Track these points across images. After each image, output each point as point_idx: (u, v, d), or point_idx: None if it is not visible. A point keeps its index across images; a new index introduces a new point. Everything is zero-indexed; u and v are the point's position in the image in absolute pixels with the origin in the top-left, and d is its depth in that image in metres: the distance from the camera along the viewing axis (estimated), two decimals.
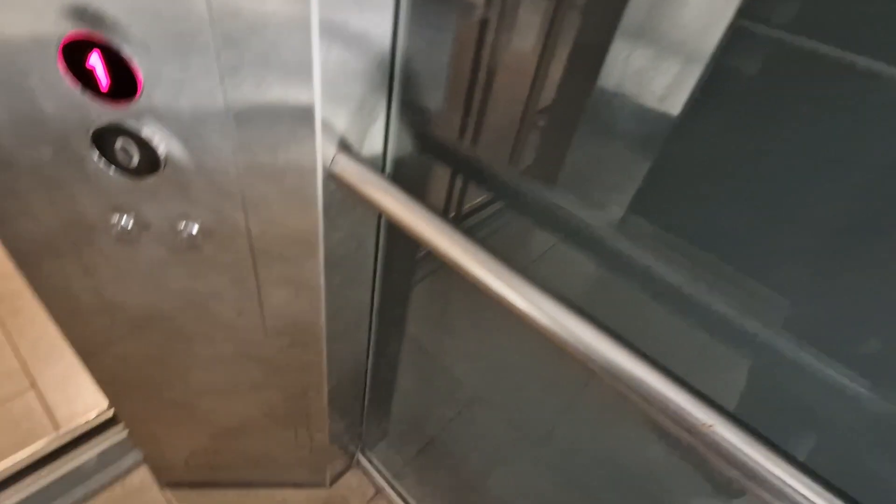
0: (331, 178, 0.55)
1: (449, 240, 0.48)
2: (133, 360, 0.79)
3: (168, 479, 1.13)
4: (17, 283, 1.44)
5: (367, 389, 1.06)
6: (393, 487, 1.20)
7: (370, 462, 1.24)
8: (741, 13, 0.44)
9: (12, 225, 0.57)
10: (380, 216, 0.71)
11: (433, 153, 0.68)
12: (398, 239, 0.77)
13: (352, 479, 1.24)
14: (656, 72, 0.52)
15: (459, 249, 0.47)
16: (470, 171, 0.69)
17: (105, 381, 0.84)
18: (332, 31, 0.45)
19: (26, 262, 0.62)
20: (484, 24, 0.61)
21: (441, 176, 0.76)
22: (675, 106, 0.51)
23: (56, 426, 1.18)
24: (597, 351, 0.39)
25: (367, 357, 0.98)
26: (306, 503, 1.17)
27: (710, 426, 0.36)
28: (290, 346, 0.77)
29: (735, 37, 0.45)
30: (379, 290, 0.84)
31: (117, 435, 1.13)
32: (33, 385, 1.23)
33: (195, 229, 0.59)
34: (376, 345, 0.96)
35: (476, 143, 0.69)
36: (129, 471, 1.14)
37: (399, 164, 0.64)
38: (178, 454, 1.05)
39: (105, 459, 1.12)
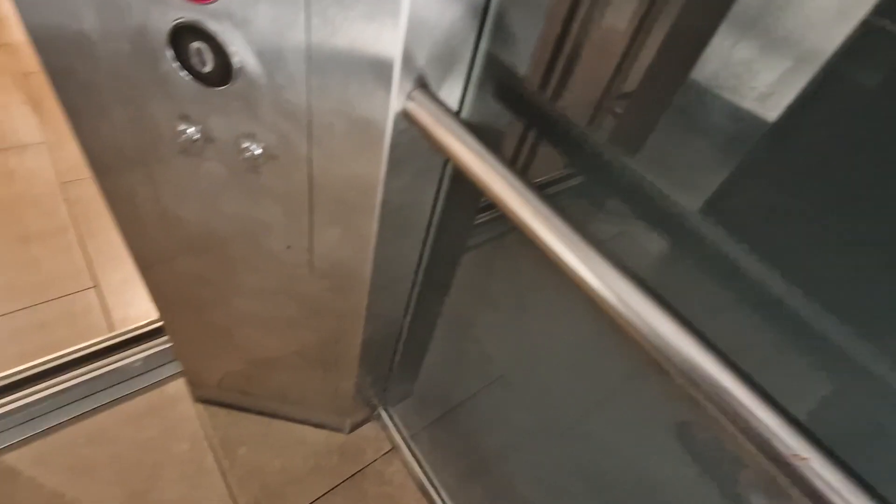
0: (403, 116, 0.51)
1: (521, 198, 0.43)
2: (184, 277, 0.81)
3: (201, 395, 1.18)
4: (93, 188, 1.52)
5: (399, 347, 1.05)
6: (408, 447, 1.20)
7: (390, 418, 1.24)
8: (880, 11, 0.36)
9: (89, 124, 0.58)
10: (442, 172, 0.67)
11: (511, 110, 0.62)
12: (458, 198, 0.73)
13: (369, 430, 1.25)
14: (762, 64, 0.45)
15: (531, 210, 0.42)
16: (547, 135, 0.63)
17: (157, 293, 0.87)
18: None
19: (98, 165, 0.63)
20: None
21: (514, 137, 0.70)
22: (776, 105, 0.44)
23: (111, 327, 1.25)
24: (678, 349, 0.34)
25: (405, 315, 0.96)
26: (324, 445, 1.19)
27: (805, 459, 0.30)
28: (331, 290, 0.76)
29: (865, 37, 0.37)
30: (429, 248, 0.81)
31: (163, 345, 1.19)
32: (95, 285, 1.31)
33: (258, 151, 0.57)
34: (416, 304, 0.94)
35: (559, 103, 0.63)
36: (168, 380, 1.21)
37: (474, 114, 0.59)
38: (214, 374, 1.09)
39: (149, 364, 1.18)
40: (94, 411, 1.12)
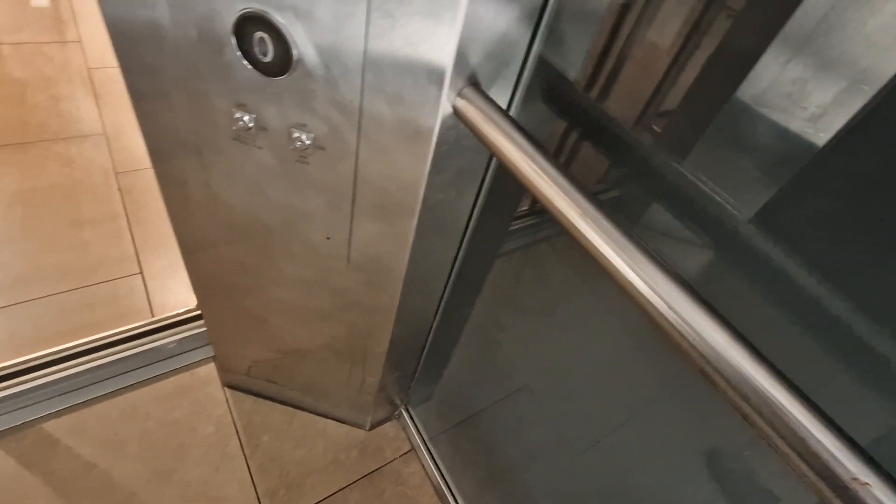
0: (453, 113, 0.52)
1: (570, 199, 0.42)
2: (224, 262, 0.83)
3: (230, 381, 1.21)
4: (145, 179, 1.59)
5: (426, 348, 1.05)
6: (427, 449, 1.20)
7: (411, 419, 1.24)
8: None
9: (151, 108, 0.60)
10: (484, 173, 0.67)
11: (559, 114, 0.62)
12: (496, 201, 0.73)
13: (390, 429, 1.25)
14: (822, 77, 0.43)
15: (579, 211, 0.42)
16: (593, 140, 0.62)
17: (197, 277, 0.90)
18: None
19: (156, 148, 0.66)
20: None
21: (559, 141, 0.70)
22: (833, 122, 0.43)
23: (151, 312, 1.30)
24: (731, 361, 0.33)
25: (434, 316, 0.96)
26: (344, 440, 1.20)
27: (866, 484, 0.28)
28: (366, 284, 0.77)
29: None
30: (463, 250, 0.81)
31: (197, 329, 1.22)
32: (140, 272, 1.36)
33: (308, 141, 0.58)
34: (446, 306, 0.94)
35: (608, 109, 0.62)
36: (199, 363, 1.24)
37: (521, 115, 0.59)
38: (243, 361, 1.11)
39: (183, 347, 1.22)
40: (129, 388, 1.16)
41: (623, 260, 0.39)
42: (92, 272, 1.32)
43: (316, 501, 1.09)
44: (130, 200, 1.50)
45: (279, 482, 1.10)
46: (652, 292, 0.37)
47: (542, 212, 0.82)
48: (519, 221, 0.90)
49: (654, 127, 0.65)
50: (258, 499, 1.07)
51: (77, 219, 1.42)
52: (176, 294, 1.34)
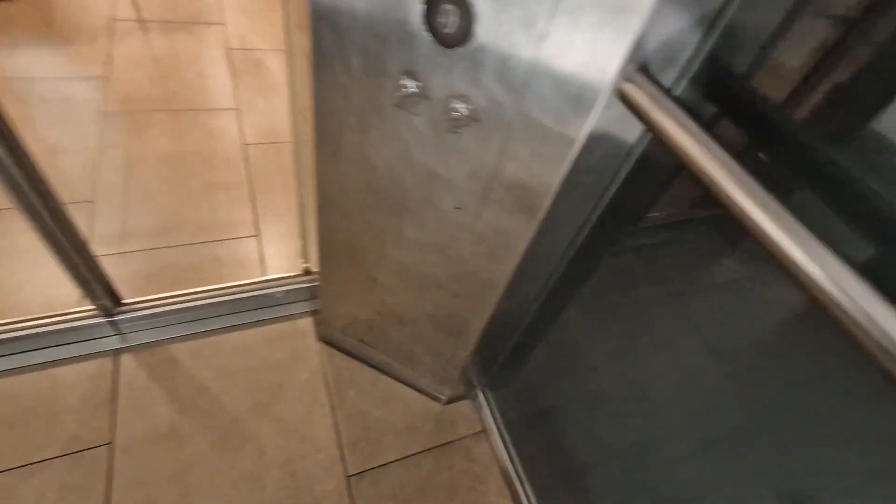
0: (618, 96, 0.53)
1: (743, 184, 0.42)
2: (353, 221, 0.90)
3: (325, 335, 1.30)
4: (269, 153, 1.75)
5: (519, 332, 1.07)
6: (500, 432, 1.22)
7: (487, 401, 1.27)
8: None
9: (330, 68, 0.67)
10: (622, 163, 0.68)
11: (722, 109, 0.61)
12: (629, 195, 0.73)
13: (465, 407, 1.29)
14: None
15: (750, 195, 0.42)
16: (755, 138, 0.61)
17: (324, 231, 0.98)
18: None
19: (322, 106, 0.73)
20: None
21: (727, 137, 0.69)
22: None
23: (263, 272, 1.43)
24: None
25: (534, 300, 0.98)
26: (421, 409, 1.26)
27: None
28: (485, 256, 0.80)
29: None
30: (581, 238, 0.82)
31: (301, 285, 1.33)
32: (258, 235, 1.50)
33: (465, 113, 0.62)
34: (548, 292, 0.96)
35: (775, 107, 0.60)
36: (299, 315, 1.35)
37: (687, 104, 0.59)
38: (342, 319, 1.20)
39: (287, 298, 1.34)
40: (240, 327, 1.29)
41: (803, 251, 0.38)
42: (219, 229, 1.47)
43: (393, 459, 1.15)
44: (254, 171, 1.65)
45: (361, 435, 1.18)
46: (834, 287, 0.37)
47: (664, 220, 0.81)
48: (652, 228, 0.88)
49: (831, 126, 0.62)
50: (341, 446, 1.15)
51: (211, 181, 1.59)
52: (286, 259, 1.46)
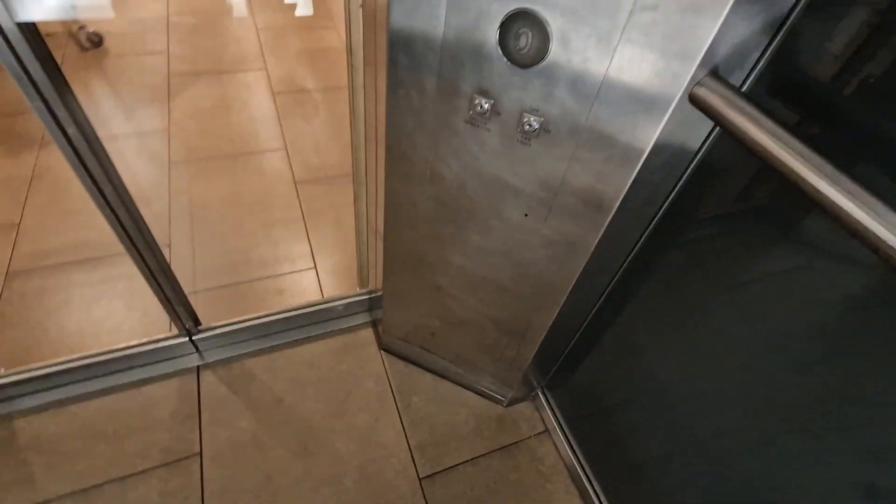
0: (689, 99, 0.56)
1: (828, 177, 0.45)
2: (420, 232, 0.95)
3: (385, 344, 1.35)
4: (319, 190, 1.82)
5: (580, 332, 1.10)
6: (563, 431, 1.24)
7: (547, 401, 1.29)
8: None
9: (405, 90, 0.73)
10: (687, 165, 0.71)
11: (789, 110, 0.63)
12: (695, 194, 0.76)
13: (526, 409, 1.32)
14: None
15: (835, 187, 0.44)
16: (820, 138, 0.63)
17: (390, 243, 1.03)
18: None
19: (394, 124, 0.78)
20: None
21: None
22: None
23: (321, 296, 1.49)
24: None
25: (596, 301, 1.01)
26: (484, 411, 1.29)
27: None
28: (551, 260, 0.84)
29: None
30: (644, 240, 0.85)
31: (359, 298, 1.39)
32: (314, 267, 1.57)
33: (536, 125, 0.67)
34: (609, 294, 0.98)
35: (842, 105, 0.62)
36: (360, 326, 1.41)
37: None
38: (403, 327, 1.25)
39: (348, 311, 1.40)
40: (307, 340, 1.36)
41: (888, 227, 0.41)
42: (281, 264, 1.56)
43: (461, 461, 1.19)
44: (307, 207, 1.74)
45: (428, 439, 1.22)
46: None
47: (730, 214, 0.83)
48: (711, 224, 0.90)
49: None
50: (410, 449, 1.20)
51: (269, 220, 1.69)
52: (343, 287, 1.52)
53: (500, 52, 0.62)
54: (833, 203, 0.45)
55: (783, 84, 0.60)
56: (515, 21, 0.59)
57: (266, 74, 2.28)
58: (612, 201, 0.70)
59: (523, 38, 0.59)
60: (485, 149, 0.74)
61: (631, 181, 0.67)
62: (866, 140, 0.58)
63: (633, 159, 0.64)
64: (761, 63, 0.59)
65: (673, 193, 0.76)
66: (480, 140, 0.73)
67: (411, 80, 0.71)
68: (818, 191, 0.46)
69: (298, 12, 2.72)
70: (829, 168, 0.46)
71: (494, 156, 0.74)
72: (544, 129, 0.67)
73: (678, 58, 0.54)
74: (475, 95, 0.68)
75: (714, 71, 0.56)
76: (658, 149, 0.64)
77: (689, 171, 0.72)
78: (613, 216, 0.73)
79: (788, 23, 0.55)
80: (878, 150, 0.57)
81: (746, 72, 0.59)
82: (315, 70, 2.36)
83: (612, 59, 0.57)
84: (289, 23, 2.65)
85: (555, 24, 0.57)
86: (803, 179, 0.47)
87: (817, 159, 0.47)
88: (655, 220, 0.81)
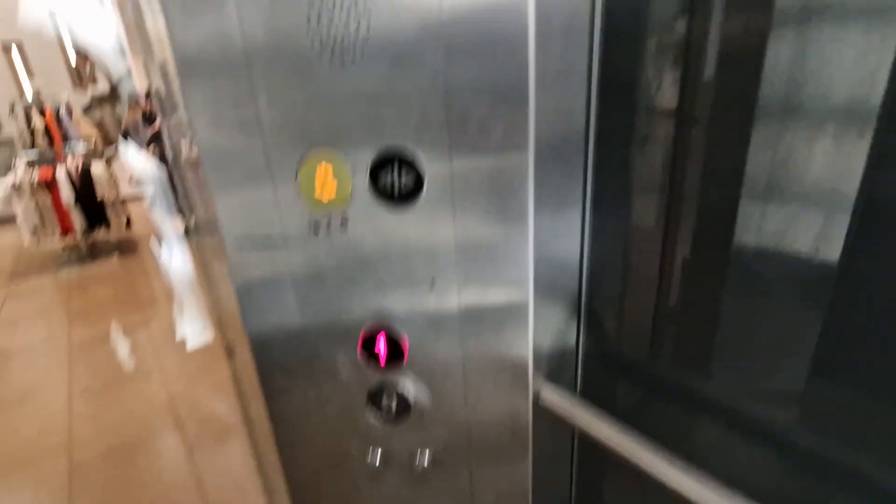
0: (540, 409, 0.65)
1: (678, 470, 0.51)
2: None
3: None
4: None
5: None
6: None
7: None
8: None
9: (296, 451, 0.74)
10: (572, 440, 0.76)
11: (622, 372, 0.73)
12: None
13: None
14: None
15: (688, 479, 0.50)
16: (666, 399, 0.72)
17: None
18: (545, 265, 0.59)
19: (296, 477, 0.77)
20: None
21: (630, 397, 0.79)
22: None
23: None
24: None
25: None
26: None
27: None
28: None
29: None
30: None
31: None
32: None
33: (427, 459, 0.70)
34: None
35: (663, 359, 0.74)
36: None
37: (589, 384, 0.71)
38: None
39: None
40: None
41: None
42: None
43: None
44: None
45: None
46: None
47: None
48: None
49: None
50: None
51: None
52: None
53: (376, 416, 0.69)
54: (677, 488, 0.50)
55: (604, 366, 0.71)
56: (378, 393, 0.68)
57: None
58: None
59: (390, 403, 0.68)
60: (391, 495, 0.74)
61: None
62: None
63: (523, 477, 0.68)
64: (581, 349, 0.70)
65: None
66: (385, 488, 0.74)
67: (298, 434, 0.73)
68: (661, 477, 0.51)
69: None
70: (673, 458, 0.52)
71: (400, 496, 0.74)
72: (437, 462, 0.70)
73: (509, 376, 0.63)
74: (367, 448, 0.72)
75: (550, 375, 0.66)
76: (539, 461, 0.68)
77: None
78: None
79: (585, 300, 0.68)
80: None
81: (573, 361, 0.70)
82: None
83: (465, 399, 0.66)
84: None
85: (409, 387, 0.66)
86: (647, 470, 0.52)
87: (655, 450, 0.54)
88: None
